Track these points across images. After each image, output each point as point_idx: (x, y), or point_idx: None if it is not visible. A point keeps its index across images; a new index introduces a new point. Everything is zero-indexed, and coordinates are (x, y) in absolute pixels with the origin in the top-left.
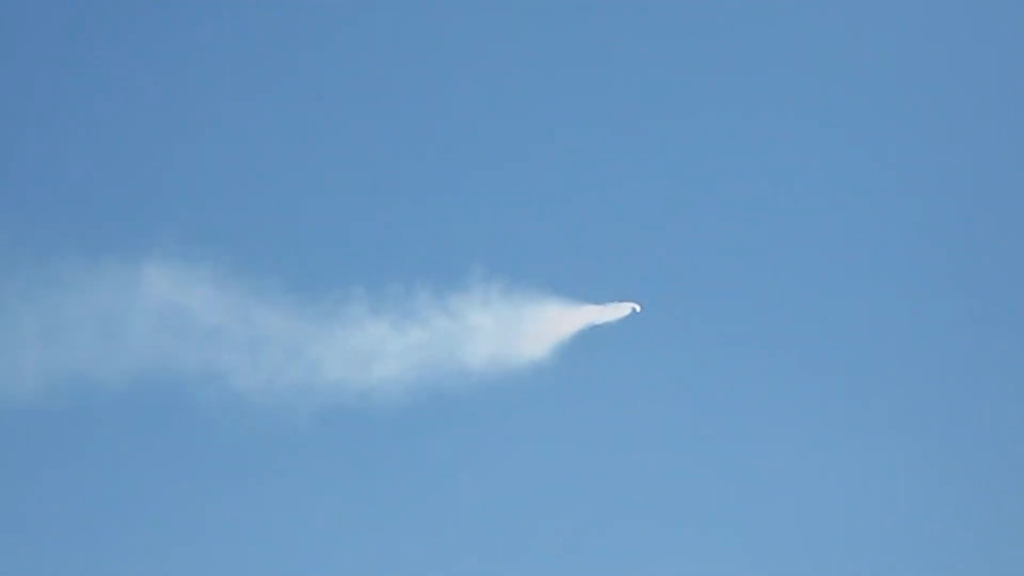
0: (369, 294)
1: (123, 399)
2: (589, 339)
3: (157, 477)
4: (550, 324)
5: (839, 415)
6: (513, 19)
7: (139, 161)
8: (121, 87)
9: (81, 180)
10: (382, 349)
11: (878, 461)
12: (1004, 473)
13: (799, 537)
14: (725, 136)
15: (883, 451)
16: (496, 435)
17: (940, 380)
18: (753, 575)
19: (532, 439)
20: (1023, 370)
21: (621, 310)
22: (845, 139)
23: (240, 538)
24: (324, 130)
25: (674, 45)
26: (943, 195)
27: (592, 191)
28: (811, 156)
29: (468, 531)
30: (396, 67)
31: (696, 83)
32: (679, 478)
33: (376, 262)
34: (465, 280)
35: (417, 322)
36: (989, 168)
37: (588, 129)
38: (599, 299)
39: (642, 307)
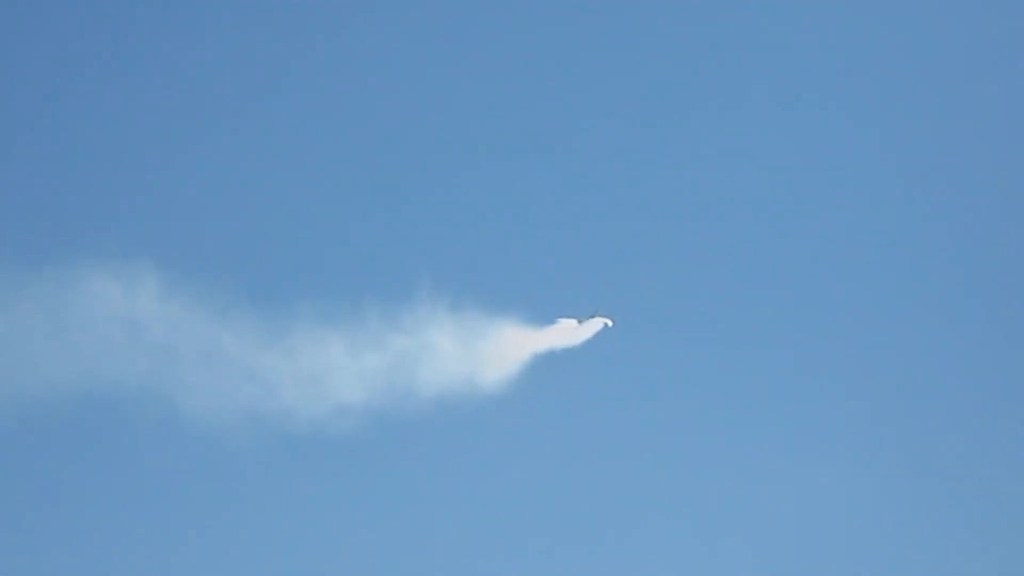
0: (318, 309)
1: (55, 420)
2: (549, 361)
3: (86, 507)
4: (509, 345)
5: (815, 429)
6: (467, 36)
7: (81, 165)
8: (63, 96)
9: (18, 184)
10: (336, 371)
11: (852, 476)
12: (984, 473)
13: (771, 556)
14: (692, 147)
15: (857, 466)
16: (454, 462)
17: (917, 402)
18: None
19: (491, 463)
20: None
21: (594, 325)
22: (817, 156)
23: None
24: (277, 142)
25: (640, 58)
26: (918, 220)
27: (550, 207)
28: (779, 170)
29: (427, 561)
30: (349, 80)
31: (665, 95)
32: (647, 500)
33: (326, 275)
34: (416, 297)
35: (372, 342)
36: (964, 178)
37: (546, 142)
38: (553, 317)
39: (614, 322)
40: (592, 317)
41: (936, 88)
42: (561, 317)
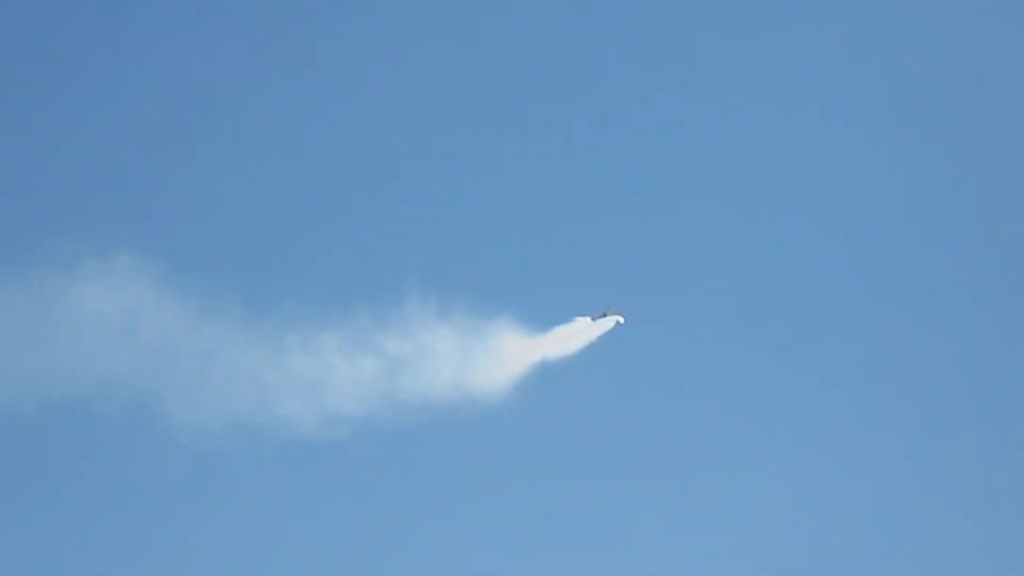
0: (309, 312)
1: (34, 426)
2: (548, 369)
3: (67, 518)
4: (507, 352)
5: (822, 430)
6: (458, 34)
7: (71, 163)
8: (49, 95)
9: (3, 182)
10: (329, 377)
11: (862, 476)
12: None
13: (778, 560)
14: (691, 141)
15: (867, 465)
16: (450, 472)
17: (931, 404)
18: None
19: (488, 474)
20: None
21: (607, 323)
22: (831, 154)
23: None
24: (269, 144)
25: (642, 53)
26: (937, 223)
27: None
28: (787, 167)
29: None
30: (342, 84)
31: (657, 92)
32: (650, 515)
33: (319, 278)
34: (411, 301)
35: (366, 347)
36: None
37: (542, 141)
38: (552, 320)
39: (626, 319)
40: (604, 315)
41: (935, 88)
42: (569, 317)
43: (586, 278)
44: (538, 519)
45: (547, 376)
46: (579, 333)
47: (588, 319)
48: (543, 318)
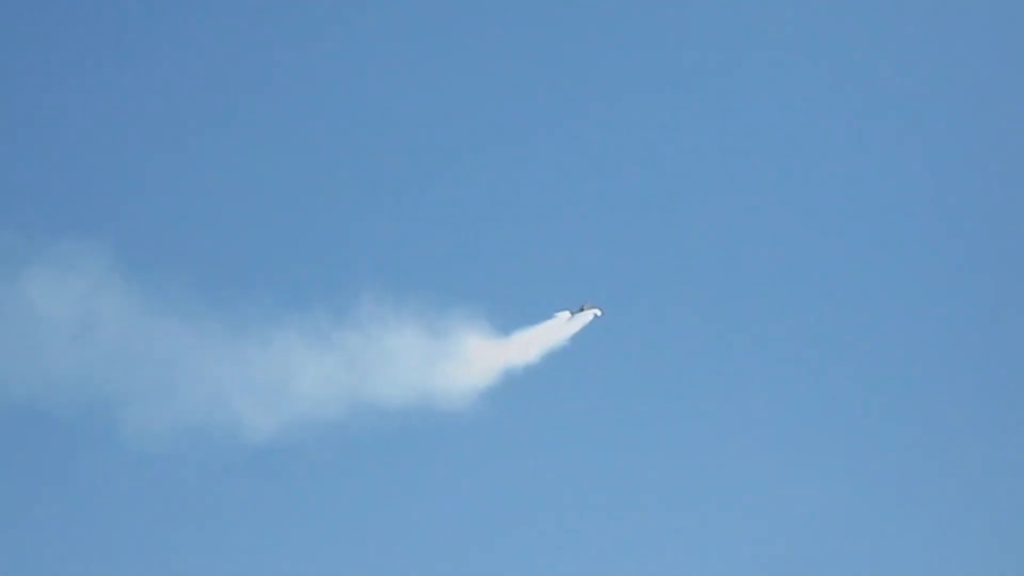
0: (272, 313)
1: None
2: (514, 376)
3: (11, 531)
4: (474, 356)
5: (806, 426)
6: (447, 35)
7: (21, 150)
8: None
9: None
10: (290, 380)
11: (844, 472)
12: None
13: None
14: (665, 136)
15: (849, 461)
16: (414, 478)
17: (912, 394)
18: None
19: (455, 479)
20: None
21: (586, 317)
22: (808, 147)
23: None
24: (228, 141)
25: (614, 44)
26: (915, 215)
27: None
28: (767, 159)
29: None
30: (295, 82)
31: (644, 82)
32: (626, 528)
33: (282, 278)
34: (378, 301)
35: (329, 348)
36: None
37: (515, 138)
38: (517, 324)
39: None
40: (582, 309)
41: (934, 87)
42: (538, 314)
43: (557, 276)
44: (503, 525)
45: (513, 381)
46: (544, 335)
47: (568, 313)
48: (511, 318)
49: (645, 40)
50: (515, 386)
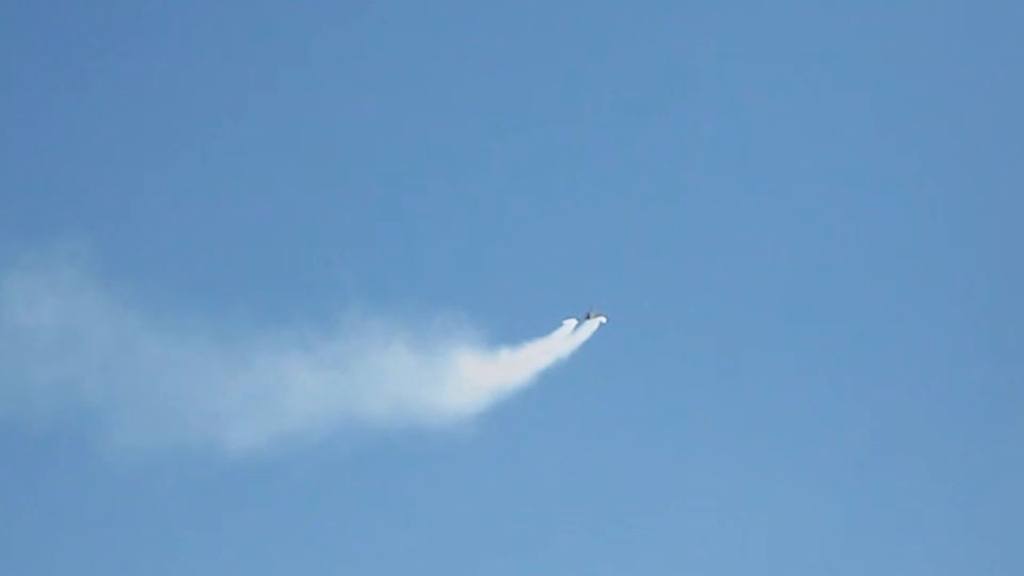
0: (261, 326)
1: None
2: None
3: None
4: (467, 373)
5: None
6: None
7: (10, 154)
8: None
9: None
10: (277, 394)
11: (847, 477)
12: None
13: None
14: (662, 143)
15: (854, 466)
16: (401, 497)
17: (924, 401)
18: None
19: (444, 496)
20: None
21: (592, 325)
22: (812, 155)
23: None
24: (218, 153)
25: (617, 53)
26: (926, 224)
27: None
28: (769, 165)
29: None
30: (287, 93)
31: (640, 89)
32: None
33: (268, 289)
34: (368, 313)
35: (318, 363)
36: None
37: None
38: (514, 338)
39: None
40: (588, 316)
41: (933, 86)
42: (541, 323)
43: (554, 285)
44: (492, 549)
45: (507, 401)
46: (541, 352)
47: (575, 320)
48: (506, 330)
49: (646, 44)
50: (509, 406)
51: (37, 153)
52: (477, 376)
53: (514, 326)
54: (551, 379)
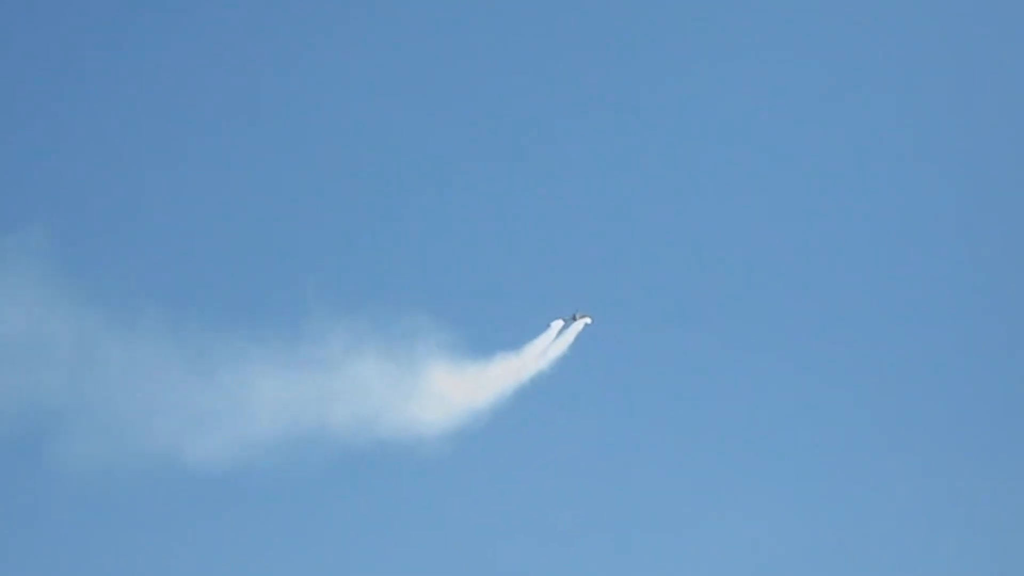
0: (222, 330)
1: None
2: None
3: None
4: (441, 385)
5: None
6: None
7: None
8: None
9: None
10: (241, 409)
11: (836, 479)
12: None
13: None
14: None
15: (845, 468)
16: (369, 511)
17: (916, 401)
18: None
19: (416, 512)
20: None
21: (578, 326)
22: (794, 151)
23: None
24: (187, 150)
25: (602, 51)
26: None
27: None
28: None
29: None
30: (257, 95)
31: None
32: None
33: (229, 294)
34: (337, 320)
35: (284, 370)
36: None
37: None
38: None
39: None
40: (575, 317)
41: (933, 87)
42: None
43: (536, 287)
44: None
45: (477, 416)
46: (517, 367)
47: (561, 321)
48: (483, 339)
49: (623, 45)
50: (481, 420)
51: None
52: (449, 389)
53: (490, 332)
54: (527, 393)
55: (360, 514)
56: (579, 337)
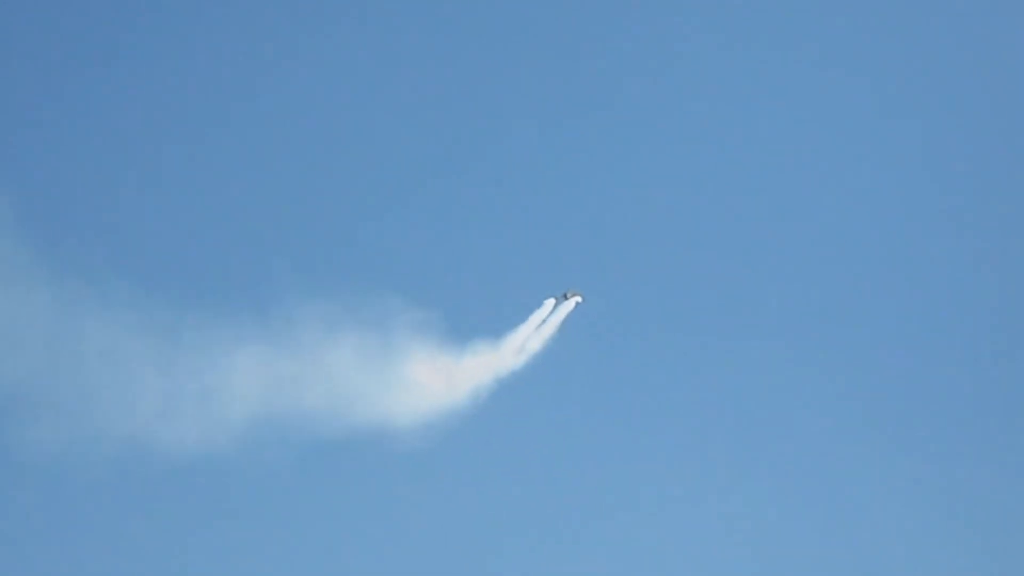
0: (198, 315)
1: None
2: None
3: None
4: (419, 373)
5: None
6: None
7: None
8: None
9: None
10: (213, 395)
11: (827, 473)
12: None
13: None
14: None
15: (833, 461)
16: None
17: (903, 393)
18: None
19: (396, 499)
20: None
21: (569, 305)
22: (788, 142)
23: None
24: (166, 139)
25: (596, 43)
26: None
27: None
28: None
29: None
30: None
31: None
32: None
33: (210, 278)
34: (316, 307)
35: (261, 354)
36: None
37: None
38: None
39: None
40: (566, 296)
41: (930, 86)
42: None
43: (516, 277)
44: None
45: (459, 407)
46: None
47: (552, 300)
48: (466, 325)
49: (604, 34)
50: (463, 411)
51: None
52: (428, 374)
53: (472, 318)
54: (510, 382)
55: (333, 502)
56: (566, 320)
